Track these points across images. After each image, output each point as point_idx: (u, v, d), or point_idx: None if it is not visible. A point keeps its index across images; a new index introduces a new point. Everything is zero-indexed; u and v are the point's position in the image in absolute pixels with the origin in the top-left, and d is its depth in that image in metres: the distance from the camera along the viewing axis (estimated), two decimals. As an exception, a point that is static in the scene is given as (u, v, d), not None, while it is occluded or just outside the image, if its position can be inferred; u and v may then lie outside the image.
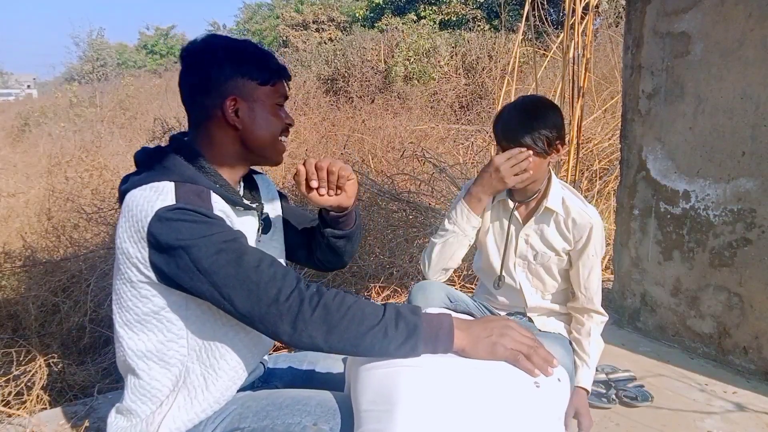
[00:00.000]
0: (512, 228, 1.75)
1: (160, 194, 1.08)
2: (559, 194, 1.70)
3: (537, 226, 1.73)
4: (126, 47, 36.32)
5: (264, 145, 1.23)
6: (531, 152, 1.55)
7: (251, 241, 1.23)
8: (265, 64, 1.21)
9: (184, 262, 1.04)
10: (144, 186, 1.11)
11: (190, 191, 1.10)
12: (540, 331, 1.82)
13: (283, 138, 1.27)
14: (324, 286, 1.11)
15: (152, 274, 1.08)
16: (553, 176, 1.71)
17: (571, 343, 1.78)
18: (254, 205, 1.28)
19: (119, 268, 1.12)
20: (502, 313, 1.87)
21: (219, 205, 1.14)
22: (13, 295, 3.02)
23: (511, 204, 1.72)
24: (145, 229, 1.05)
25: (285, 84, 1.26)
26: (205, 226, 1.06)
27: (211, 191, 1.14)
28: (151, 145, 1.29)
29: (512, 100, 1.76)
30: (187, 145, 1.20)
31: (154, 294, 1.11)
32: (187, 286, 1.07)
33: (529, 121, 1.54)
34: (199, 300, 1.11)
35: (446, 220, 1.70)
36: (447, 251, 1.70)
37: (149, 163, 1.16)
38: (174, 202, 1.06)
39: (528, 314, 1.85)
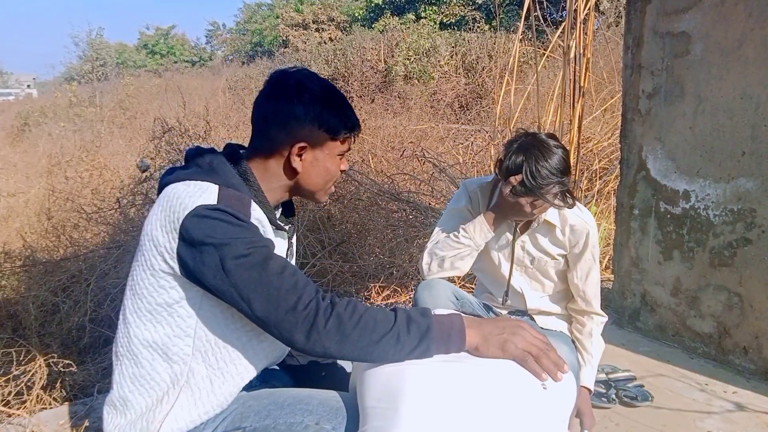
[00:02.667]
0: (509, 237, 1.77)
1: (203, 192, 1.11)
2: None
3: (532, 233, 1.76)
4: (126, 47, 36.30)
5: (314, 190, 1.28)
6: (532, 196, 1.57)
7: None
8: (344, 120, 1.24)
9: (211, 258, 1.06)
10: (188, 182, 1.15)
11: (233, 196, 1.13)
12: (543, 329, 1.82)
13: (334, 185, 1.33)
14: (326, 289, 1.12)
15: (176, 266, 1.10)
16: None
17: (573, 342, 1.79)
18: (287, 228, 1.31)
19: (143, 255, 1.14)
20: (504, 312, 1.88)
21: (256, 214, 1.17)
22: (13, 294, 3.01)
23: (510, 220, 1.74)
24: (180, 221, 1.08)
25: (353, 138, 1.30)
26: (239, 228, 1.09)
27: (252, 200, 1.18)
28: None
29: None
30: (241, 158, 1.24)
31: (172, 286, 1.12)
32: (208, 283, 1.08)
33: (556, 182, 1.54)
34: (213, 301, 1.12)
35: (461, 232, 1.70)
36: (458, 263, 1.72)
37: (199, 162, 1.20)
38: (215, 202, 1.10)
39: (529, 313, 1.85)
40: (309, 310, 1.06)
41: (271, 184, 1.25)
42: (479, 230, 1.69)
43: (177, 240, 1.08)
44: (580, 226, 1.70)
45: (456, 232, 1.72)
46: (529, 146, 1.57)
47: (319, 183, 1.27)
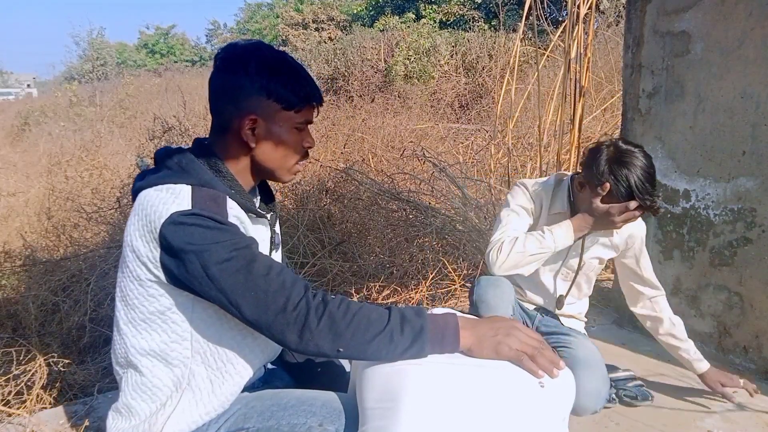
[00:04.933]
0: (572, 247, 1.83)
1: (176, 197, 1.08)
2: None
3: (594, 240, 1.83)
4: (126, 46, 36.34)
5: (272, 167, 1.22)
6: (641, 211, 1.63)
7: (264, 251, 1.23)
8: (296, 88, 1.17)
9: (194, 266, 1.04)
10: (160, 186, 1.12)
11: (207, 196, 1.10)
12: (564, 325, 1.94)
13: (299, 163, 1.24)
14: (326, 289, 1.12)
15: (161, 274, 1.09)
16: None
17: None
18: (268, 216, 1.28)
19: (127, 266, 1.12)
20: (531, 307, 1.98)
21: (234, 211, 1.14)
22: (13, 294, 3.01)
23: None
24: (158, 230, 1.05)
25: (313, 109, 1.22)
26: (218, 232, 1.06)
27: (227, 197, 1.14)
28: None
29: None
30: (207, 148, 1.20)
31: (162, 294, 1.11)
32: (196, 289, 1.07)
33: (652, 189, 1.62)
34: (205, 303, 1.11)
35: (548, 234, 1.70)
36: (534, 264, 1.73)
37: (169, 163, 1.16)
38: (189, 207, 1.07)
39: (556, 313, 1.96)
40: (299, 309, 1.04)
41: (237, 166, 1.20)
42: (564, 235, 1.69)
43: (158, 249, 1.06)
44: (636, 231, 1.85)
45: (541, 233, 1.70)
46: (619, 156, 1.61)
47: (276, 159, 1.20)
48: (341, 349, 1.06)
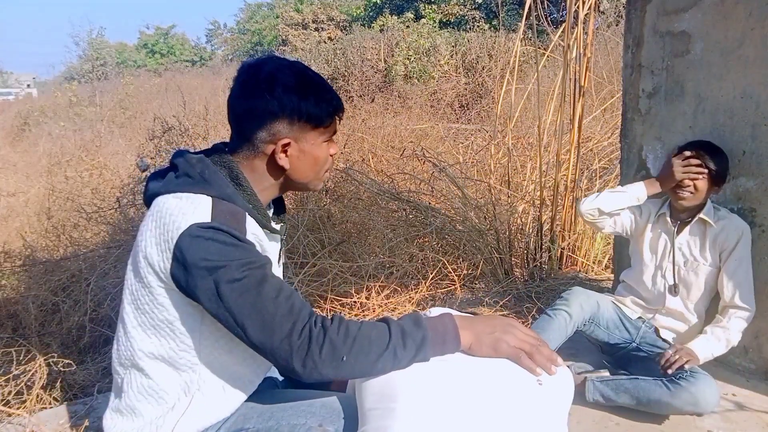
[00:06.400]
0: (668, 240, 2.06)
1: (196, 208, 1.07)
2: (712, 210, 2.02)
3: (690, 237, 2.04)
4: (126, 46, 36.32)
5: (306, 181, 1.24)
6: (704, 169, 1.94)
7: (274, 265, 1.23)
8: (324, 105, 1.18)
9: (206, 282, 1.04)
10: (180, 194, 1.11)
11: (227, 211, 1.09)
12: (665, 341, 2.08)
13: (328, 170, 1.27)
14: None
15: (172, 284, 1.08)
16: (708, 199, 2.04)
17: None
18: (278, 227, 1.27)
19: (139, 272, 1.11)
20: (635, 315, 2.15)
21: (252, 228, 1.13)
22: (13, 294, 3.02)
23: (670, 222, 2.07)
24: (174, 240, 1.04)
25: (338, 119, 1.24)
26: (234, 249, 1.06)
27: (246, 213, 1.13)
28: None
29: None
30: (231, 161, 1.18)
31: (171, 303, 1.11)
32: (204, 306, 1.07)
33: (717, 154, 1.98)
34: None
35: (622, 187, 2.11)
36: (607, 200, 2.05)
37: (190, 171, 1.14)
38: (209, 220, 1.06)
39: (655, 323, 2.12)
40: (303, 338, 1.04)
41: (262, 185, 1.20)
42: (636, 187, 2.05)
43: (171, 260, 1.06)
44: (733, 230, 1.99)
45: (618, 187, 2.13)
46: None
47: (310, 174, 1.23)
48: (346, 373, 1.06)
